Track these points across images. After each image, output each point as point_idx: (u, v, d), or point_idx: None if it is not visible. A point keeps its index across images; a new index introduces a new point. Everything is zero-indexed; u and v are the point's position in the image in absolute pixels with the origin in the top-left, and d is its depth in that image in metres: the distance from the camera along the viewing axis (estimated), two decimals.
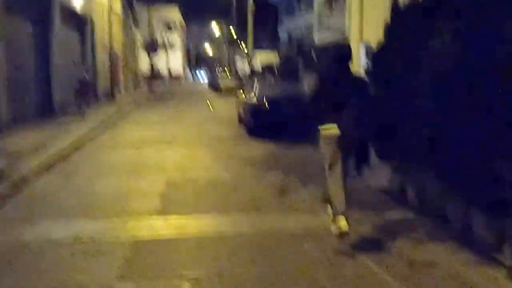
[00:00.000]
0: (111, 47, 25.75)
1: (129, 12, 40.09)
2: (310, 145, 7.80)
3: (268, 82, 17.34)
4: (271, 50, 62.76)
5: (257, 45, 76.87)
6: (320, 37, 30.87)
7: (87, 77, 19.26)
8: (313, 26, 31.95)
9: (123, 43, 32.58)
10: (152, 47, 58.47)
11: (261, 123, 13.41)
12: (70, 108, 18.11)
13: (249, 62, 31.53)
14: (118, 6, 30.30)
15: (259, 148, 11.57)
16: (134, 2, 46.22)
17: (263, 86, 14.81)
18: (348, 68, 5.31)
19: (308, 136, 6.69)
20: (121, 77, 31.07)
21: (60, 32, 17.66)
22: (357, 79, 5.50)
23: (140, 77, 45.42)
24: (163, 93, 37.06)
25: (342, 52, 5.37)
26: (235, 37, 56.00)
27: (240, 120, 15.83)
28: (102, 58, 25.16)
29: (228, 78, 35.65)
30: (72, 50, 20.46)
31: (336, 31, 26.96)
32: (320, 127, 5.21)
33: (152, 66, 41.11)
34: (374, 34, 9.61)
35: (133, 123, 16.60)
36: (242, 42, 74.20)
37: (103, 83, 25.12)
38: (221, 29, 73.70)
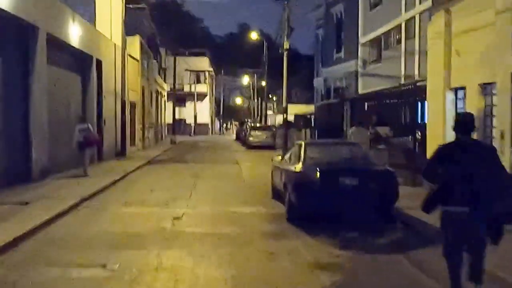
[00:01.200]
0: (123, 95, 21.72)
1: (155, 60, 36.65)
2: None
3: (315, 142, 12.73)
4: (305, 103, 58.96)
5: (290, 98, 73.60)
6: (366, 85, 26.35)
7: (91, 129, 15.16)
8: (358, 73, 27.50)
9: (143, 92, 28.73)
10: (179, 98, 55.26)
11: (312, 204, 8.68)
12: (63, 170, 13.96)
13: (284, 115, 27.09)
14: (136, 50, 26.60)
15: (313, 250, 6.82)
16: (162, 51, 43.13)
17: (310, 148, 10.14)
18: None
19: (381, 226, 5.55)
20: (138, 129, 26.98)
21: (46, 73, 13.55)
22: (486, 147, 5.40)
23: (163, 129, 41.54)
24: (186, 147, 32.82)
25: (468, 118, 4.99)
26: (265, 89, 52.30)
27: (275, 193, 11.13)
28: (111, 107, 21.10)
29: (259, 132, 31.17)
30: (68, 97, 16.40)
31: (387, 78, 22.46)
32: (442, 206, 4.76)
33: (174, 117, 37.17)
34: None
35: (130, 201, 11.48)
36: (272, 95, 70.96)
37: (110, 137, 20.93)
38: (251, 80, 70.57)
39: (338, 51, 34.21)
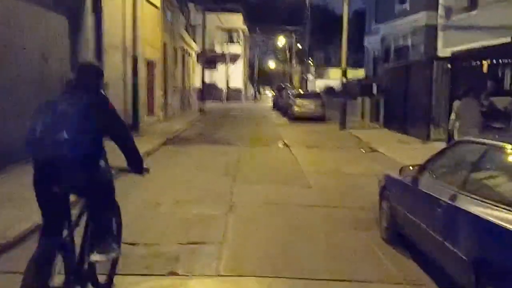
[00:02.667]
0: (135, 50, 16.03)
1: (181, 15, 30.71)
2: None
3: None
4: (351, 67, 52.09)
5: (330, 62, 66.27)
6: (449, 41, 19.95)
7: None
8: (436, 27, 21.01)
9: (165, 49, 23.00)
10: (210, 59, 49.33)
11: None
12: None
13: (343, 78, 20.90)
14: None
15: None
16: (190, 6, 37.13)
17: None
18: None
19: None
20: (158, 94, 21.39)
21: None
22: None
23: (192, 94, 35.93)
24: (216, 117, 27.12)
25: None
26: (307, 49, 45.89)
27: (401, 237, 5.37)
28: (117, 66, 15.52)
29: (305, 101, 25.09)
30: (43, 50, 10.81)
31: (489, 30, 16.10)
32: None
33: (203, 81, 31.35)
34: None
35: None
36: (312, 57, 64.22)
37: (117, 106, 15.34)
38: (287, 41, 63.97)
39: (402, 1, 27.58)
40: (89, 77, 3.69)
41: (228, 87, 48.32)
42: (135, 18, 15.96)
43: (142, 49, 18.18)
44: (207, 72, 49.75)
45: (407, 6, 26.98)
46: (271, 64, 76.51)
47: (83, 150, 3.31)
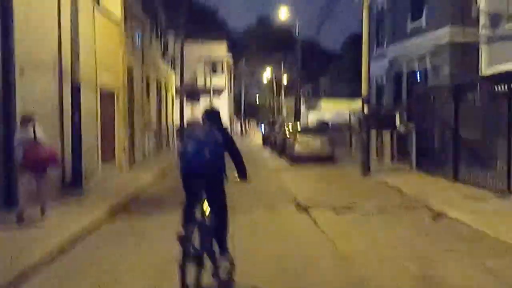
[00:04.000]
0: (74, 73, 10.85)
1: (155, 39, 25.86)
2: None
3: None
4: (350, 97, 47.49)
5: (318, 93, 61.63)
6: (497, 58, 15.21)
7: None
8: (480, 39, 16.21)
9: (131, 76, 17.90)
10: (191, 93, 44.41)
11: None
12: None
13: (364, 107, 15.56)
14: (115, 4, 15.68)
15: None
16: (169, 33, 32.32)
17: None
18: None
19: None
20: (120, 135, 16.12)
21: None
22: None
23: (172, 133, 30.75)
24: None
25: None
26: (298, 80, 41.20)
27: None
28: (45, 94, 10.32)
29: (309, 136, 19.95)
30: None
31: None
32: None
33: (182, 118, 26.06)
34: None
35: None
36: (304, 88, 59.77)
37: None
38: (276, 72, 59.62)
39: (416, 17, 23.02)
40: (214, 117, 5.44)
41: None
42: (75, 26, 10.83)
43: (92, 74, 13.04)
44: (189, 107, 44.82)
45: (422, 22, 22.41)
46: (258, 97, 72.10)
47: (216, 165, 5.10)
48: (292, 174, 15.91)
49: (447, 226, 8.18)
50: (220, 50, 44.80)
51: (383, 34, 28.32)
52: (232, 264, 5.15)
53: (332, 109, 48.29)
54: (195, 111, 44.36)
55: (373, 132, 20.49)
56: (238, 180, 5.42)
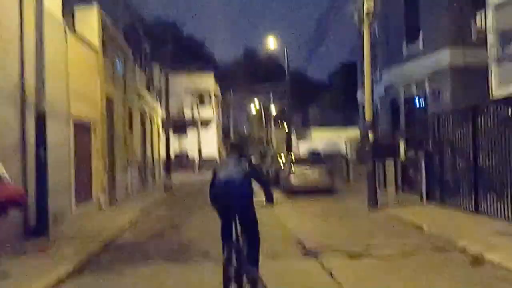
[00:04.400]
0: (40, 100, 9.32)
1: (138, 69, 24.57)
2: None
3: None
4: (342, 126, 46.28)
5: (307, 122, 60.42)
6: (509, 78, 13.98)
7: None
8: (490, 59, 14.97)
9: (111, 106, 16.38)
10: (178, 125, 42.92)
11: None
12: None
13: (369, 133, 14.01)
14: (93, 30, 14.27)
15: None
16: (154, 65, 31.10)
17: None
18: None
19: None
20: (98, 170, 14.46)
21: None
22: None
23: (157, 167, 29.09)
24: (187, 197, 20.13)
25: None
26: (287, 110, 40.00)
27: None
28: (5, 124, 8.75)
29: (306, 168, 18.40)
30: None
31: None
32: None
33: (168, 150, 24.43)
34: None
35: None
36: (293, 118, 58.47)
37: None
38: (265, 103, 58.56)
39: (412, 40, 21.97)
40: (241, 148, 6.26)
41: (200, 156, 41.61)
42: (40, 47, 9.36)
43: (63, 104, 11.52)
44: (176, 140, 43.27)
45: (419, 45, 21.33)
46: (246, 128, 70.80)
47: (246, 190, 5.71)
48: (290, 210, 14.30)
49: (492, 274, 6.62)
50: (207, 82, 43.62)
51: (376, 60, 27.31)
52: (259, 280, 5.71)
53: (323, 139, 47.14)
54: (182, 144, 42.83)
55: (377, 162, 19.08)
56: (265, 204, 6.05)
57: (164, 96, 27.15)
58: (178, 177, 30.44)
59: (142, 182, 23.01)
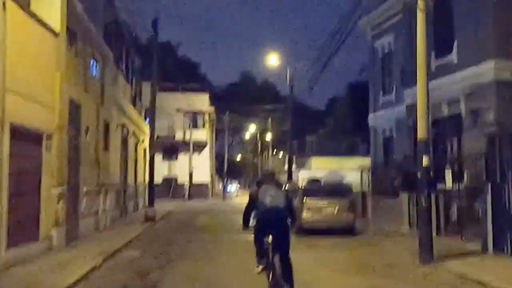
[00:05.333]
0: None
1: (122, 78, 21.08)
2: None
3: None
4: (347, 155, 42.94)
5: (303, 150, 56.91)
6: None
7: None
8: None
9: (80, 118, 12.72)
10: (168, 148, 39.26)
11: None
12: None
13: (422, 158, 10.42)
14: (54, 12, 10.72)
15: None
16: (147, 84, 27.63)
17: None
18: None
19: None
20: (50, 196, 10.67)
21: None
22: None
23: (142, 194, 25.34)
24: (171, 231, 16.25)
25: None
26: (289, 134, 36.42)
27: None
28: None
29: (323, 200, 14.58)
30: None
31: None
32: None
33: (152, 175, 20.52)
34: None
35: None
36: (279, 149, 55.03)
37: None
38: (261, 128, 55.21)
39: (443, 53, 18.57)
40: (274, 177, 7.12)
41: (191, 182, 37.77)
42: None
43: None
44: (165, 164, 39.51)
45: (452, 58, 17.97)
46: (241, 154, 67.29)
47: (286, 213, 6.52)
48: (306, 258, 10.40)
49: None
50: (202, 102, 40.10)
51: (391, 80, 24.00)
52: None
53: (323, 167, 43.91)
54: (172, 168, 39.05)
55: (403, 196, 15.41)
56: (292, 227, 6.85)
57: (150, 112, 23.55)
58: (165, 205, 26.73)
59: (121, 211, 19.18)
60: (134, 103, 25.48)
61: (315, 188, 17.03)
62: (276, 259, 6.22)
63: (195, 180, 37.99)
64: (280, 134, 52.36)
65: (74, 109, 12.13)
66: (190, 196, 36.85)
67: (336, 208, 14.09)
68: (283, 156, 55.22)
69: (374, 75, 25.61)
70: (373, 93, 25.53)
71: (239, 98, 61.44)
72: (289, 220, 6.57)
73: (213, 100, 44.04)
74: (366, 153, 44.00)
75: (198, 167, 38.53)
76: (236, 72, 78.23)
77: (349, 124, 55.37)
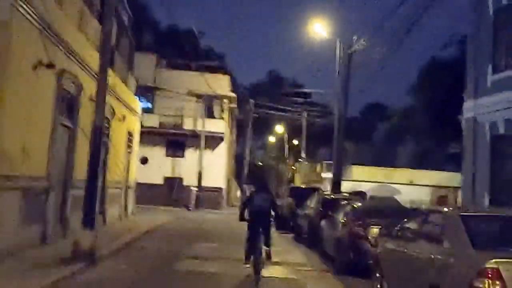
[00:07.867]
0: None
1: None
2: None
3: None
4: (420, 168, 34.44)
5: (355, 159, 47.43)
6: None
7: None
8: None
9: None
10: (172, 139, 30.81)
11: None
12: None
13: None
14: None
15: None
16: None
17: None
18: None
19: None
20: None
21: None
22: None
23: (129, 195, 16.91)
24: (154, 281, 7.57)
25: None
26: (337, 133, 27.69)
27: None
28: None
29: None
30: None
31: None
32: None
33: (93, 162, 11.83)
34: None
35: None
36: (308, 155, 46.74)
37: None
38: (289, 130, 46.75)
39: None
40: (266, 184, 11.08)
41: (200, 186, 29.10)
42: None
43: None
44: (169, 162, 31.15)
45: None
46: (261, 158, 58.81)
47: (270, 211, 9.26)
48: None
49: None
50: (220, 85, 31.36)
51: (509, 47, 14.88)
52: (267, 255, 8.91)
53: (366, 178, 35.33)
54: (177, 166, 30.53)
55: None
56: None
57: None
58: (157, 215, 18.50)
59: (60, 221, 10.70)
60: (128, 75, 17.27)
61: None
62: (261, 239, 8.76)
63: (206, 183, 29.32)
64: (310, 138, 44.09)
65: None
66: (198, 204, 28.18)
67: None
68: (314, 163, 46.49)
69: (478, 42, 16.34)
70: (474, 70, 16.24)
71: (267, 94, 52.74)
72: (272, 214, 9.22)
73: (236, 85, 35.38)
74: (436, 166, 35.40)
75: (210, 167, 29.83)
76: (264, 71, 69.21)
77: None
